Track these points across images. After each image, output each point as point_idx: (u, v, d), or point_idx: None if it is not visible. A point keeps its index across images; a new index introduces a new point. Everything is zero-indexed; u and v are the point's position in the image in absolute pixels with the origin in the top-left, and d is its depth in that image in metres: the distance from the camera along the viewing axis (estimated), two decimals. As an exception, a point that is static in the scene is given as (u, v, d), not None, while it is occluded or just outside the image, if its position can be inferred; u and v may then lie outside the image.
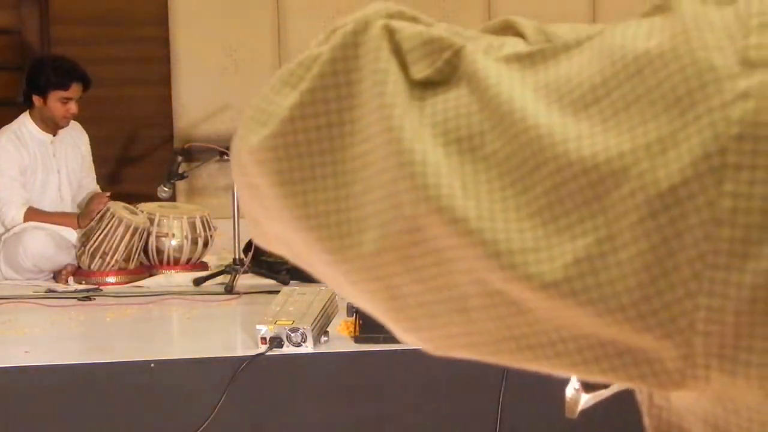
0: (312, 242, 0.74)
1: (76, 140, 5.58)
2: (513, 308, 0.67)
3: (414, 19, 0.75)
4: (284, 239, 0.78)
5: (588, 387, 0.88)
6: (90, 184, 5.69)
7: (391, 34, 0.72)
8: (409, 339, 0.75)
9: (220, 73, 7.53)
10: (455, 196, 0.66)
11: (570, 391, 0.87)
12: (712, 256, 0.61)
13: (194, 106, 7.50)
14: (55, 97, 5.30)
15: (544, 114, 0.65)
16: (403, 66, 0.71)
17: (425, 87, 0.71)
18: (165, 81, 7.55)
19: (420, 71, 0.71)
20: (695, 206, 0.61)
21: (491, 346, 0.69)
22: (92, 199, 5.42)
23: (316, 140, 0.73)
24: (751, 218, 0.60)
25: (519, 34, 0.76)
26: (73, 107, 5.33)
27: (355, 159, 0.72)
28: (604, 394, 0.88)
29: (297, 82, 0.75)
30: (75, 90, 5.32)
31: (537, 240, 0.65)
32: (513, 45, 0.71)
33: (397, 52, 0.72)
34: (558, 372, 0.69)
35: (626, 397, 0.77)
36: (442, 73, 0.71)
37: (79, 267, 5.12)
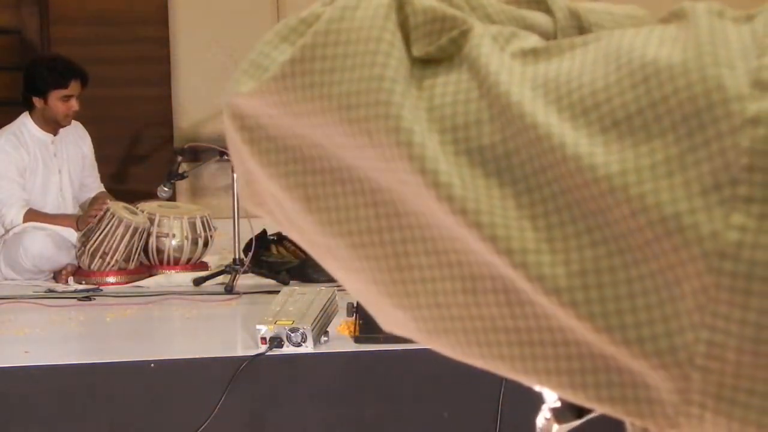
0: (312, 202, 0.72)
1: (77, 140, 5.58)
2: (523, 295, 0.64)
3: None
4: (280, 201, 0.76)
5: (559, 418, 0.84)
6: (93, 183, 5.70)
7: (401, 5, 0.69)
8: (397, 317, 0.71)
9: (220, 73, 7.52)
10: (454, 185, 0.64)
11: (541, 420, 0.84)
12: (715, 290, 0.58)
13: (194, 106, 7.49)
14: (55, 97, 5.30)
15: (542, 114, 0.63)
16: (407, 42, 0.69)
17: (425, 65, 0.68)
18: (165, 81, 7.54)
19: (421, 49, 0.68)
20: (698, 236, 0.58)
21: (490, 334, 0.66)
22: (92, 203, 5.42)
23: (302, 99, 0.70)
24: (757, 253, 0.57)
25: (548, 11, 0.73)
26: (74, 104, 5.34)
27: (343, 124, 0.69)
28: (574, 424, 0.84)
29: (297, 40, 0.72)
30: (74, 87, 5.32)
31: (538, 242, 0.62)
32: (523, 38, 0.68)
33: (404, 25, 0.69)
34: (549, 381, 0.66)
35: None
36: (444, 51, 0.68)
37: (79, 267, 5.11)
